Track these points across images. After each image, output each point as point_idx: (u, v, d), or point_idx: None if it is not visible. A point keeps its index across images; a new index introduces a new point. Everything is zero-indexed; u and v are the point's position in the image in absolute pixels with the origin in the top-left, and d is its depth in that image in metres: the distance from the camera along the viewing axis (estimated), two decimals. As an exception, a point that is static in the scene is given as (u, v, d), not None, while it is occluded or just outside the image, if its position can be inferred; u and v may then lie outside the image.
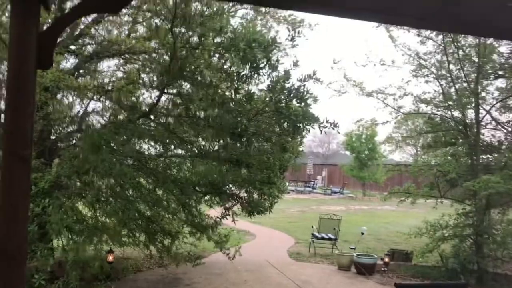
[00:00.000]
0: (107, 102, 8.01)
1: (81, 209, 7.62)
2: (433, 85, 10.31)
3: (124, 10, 6.29)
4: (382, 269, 9.91)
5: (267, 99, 6.08)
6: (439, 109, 10.32)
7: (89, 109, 8.43)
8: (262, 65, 5.51)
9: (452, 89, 10.08)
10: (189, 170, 7.32)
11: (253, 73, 5.67)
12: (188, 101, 6.02)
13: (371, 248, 12.93)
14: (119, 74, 7.63)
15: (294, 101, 5.97)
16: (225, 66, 5.85)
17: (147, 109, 6.40)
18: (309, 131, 7.28)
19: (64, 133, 7.65)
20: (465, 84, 9.78)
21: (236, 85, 5.84)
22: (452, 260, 9.69)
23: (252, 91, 5.98)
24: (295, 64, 5.71)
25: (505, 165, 8.96)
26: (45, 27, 3.26)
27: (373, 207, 26.18)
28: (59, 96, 7.88)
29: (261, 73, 5.81)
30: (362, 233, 11.24)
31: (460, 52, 9.58)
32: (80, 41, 8.02)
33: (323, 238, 12.87)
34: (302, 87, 5.71)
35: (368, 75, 10.89)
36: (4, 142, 2.62)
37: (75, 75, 7.98)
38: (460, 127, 9.82)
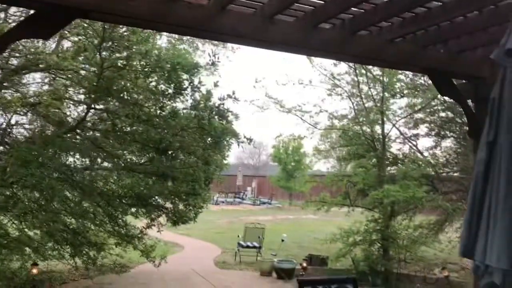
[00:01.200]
0: (32, 116, 8.13)
1: (5, 222, 7.65)
2: (347, 103, 11.32)
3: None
4: (300, 273, 10.63)
5: (192, 116, 6.57)
6: (351, 125, 11.34)
7: (13, 122, 8.48)
8: (185, 86, 6.00)
9: (362, 107, 11.14)
10: (116, 182, 7.60)
11: (177, 92, 6.14)
12: (114, 117, 6.36)
13: (293, 255, 13.68)
14: (46, 88, 7.76)
15: (216, 118, 6.51)
16: (150, 86, 6.26)
17: (74, 124, 6.65)
18: (230, 145, 7.91)
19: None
20: (372, 103, 10.86)
21: (161, 104, 6.28)
22: (363, 263, 10.63)
23: (176, 109, 6.45)
24: (216, 85, 6.27)
25: (405, 176, 10.06)
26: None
27: (298, 216, 27.21)
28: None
29: (185, 93, 6.30)
30: (283, 240, 12.00)
31: (369, 73, 10.66)
32: (5, 54, 8.05)
33: (248, 247, 13.46)
34: (222, 105, 6.27)
35: (288, 93, 11.72)
36: None
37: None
38: (369, 141, 10.86)
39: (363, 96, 10.95)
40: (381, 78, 10.84)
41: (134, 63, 5.86)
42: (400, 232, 10.62)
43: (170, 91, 6.12)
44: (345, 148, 12.29)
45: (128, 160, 7.34)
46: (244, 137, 6.53)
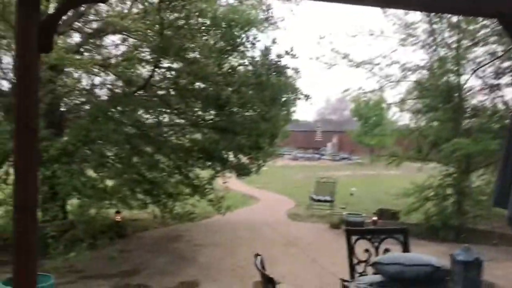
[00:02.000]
0: (110, 76, 8.79)
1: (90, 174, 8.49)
2: (421, 54, 10.79)
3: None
4: (371, 226, 10.67)
5: (250, 73, 6.74)
6: (426, 76, 10.84)
7: (97, 82, 9.22)
8: (239, 43, 6.14)
9: (438, 56, 10.56)
10: (183, 137, 8.08)
11: (232, 49, 6.31)
12: (176, 76, 6.71)
13: (367, 209, 13.68)
14: (119, 51, 8.31)
15: (274, 74, 6.62)
16: (207, 43, 6.48)
17: (142, 83, 7.11)
18: (294, 101, 8.01)
19: (71, 105, 8.43)
20: (449, 52, 10.24)
21: (218, 61, 6.50)
22: (435, 217, 10.40)
23: (234, 66, 6.64)
24: (274, 41, 6.35)
25: (480, 128, 9.51)
26: (44, 16, 3.89)
27: (379, 172, 26.75)
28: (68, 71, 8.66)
29: (243, 50, 6.44)
30: (351, 194, 12.02)
31: (445, 21, 10.01)
32: (82, 18, 8.68)
33: (319, 200, 13.67)
34: (279, 62, 6.35)
35: (357, 46, 11.39)
36: (15, 116, 3.31)
37: (80, 50, 8.70)
38: (444, 93, 10.34)
39: (439, 45, 10.35)
40: (459, 24, 10.15)
41: (192, 21, 6.08)
42: (476, 187, 10.17)
43: (227, 48, 6.29)
44: (421, 100, 11.80)
45: (194, 116, 7.72)
46: (301, 93, 6.59)
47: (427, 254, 4.04)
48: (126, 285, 6.53)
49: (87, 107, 8.61)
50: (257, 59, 6.56)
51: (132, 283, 6.64)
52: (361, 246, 4.47)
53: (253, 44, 6.36)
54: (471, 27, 9.72)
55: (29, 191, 3.15)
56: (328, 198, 13.66)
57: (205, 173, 9.31)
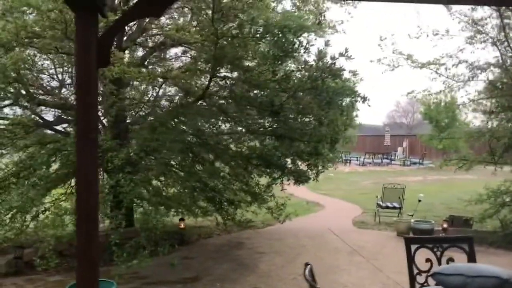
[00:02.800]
0: (173, 88, 9.11)
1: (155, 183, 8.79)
2: (491, 51, 10.16)
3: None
4: (440, 234, 10.13)
5: (305, 77, 6.67)
6: (498, 74, 10.17)
7: (160, 94, 9.57)
8: (293, 48, 6.10)
9: (510, 53, 9.89)
10: (242, 145, 8.15)
11: (286, 55, 6.28)
12: (232, 85, 6.79)
13: (439, 216, 13.01)
14: (180, 62, 8.58)
15: (329, 78, 6.51)
16: (260, 51, 6.49)
17: (201, 93, 7.27)
18: (353, 105, 7.82)
19: (136, 117, 8.80)
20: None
21: (272, 68, 6.49)
22: (512, 225, 9.69)
23: (288, 71, 6.60)
24: (327, 44, 6.25)
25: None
26: (101, 32, 4.09)
27: (452, 176, 25.40)
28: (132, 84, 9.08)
29: (297, 55, 6.40)
30: (420, 200, 11.50)
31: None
32: (144, 34, 9.06)
33: (387, 207, 13.20)
34: (333, 65, 6.23)
35: (421, 47, 10.95)
36: (76, 128, 3.48)
37: (145, 64, 9.09)
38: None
39: (510, 40, 9.68)
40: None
41: (246, 30, 6.13)
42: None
43: (280, 54, 6.27)
44: (494, 100, 11.09)
45: (250, 123, 7.76)
46: (358, 95, 6.41)
47: (498, 265, 3.75)
48: (187, 292, 6.67)
49: (151, 118, 8.95)
50: (312, 63, 6.47)
51: (194, 289, 6.77)
52: (424, 255, 4.25)
53: (307, 49, 6.30)
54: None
55: (89, 200, 3.29)
56: (396, 204, 13.16)
57: (264, 181, 9.33)
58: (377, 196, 13.79)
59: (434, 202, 16.79)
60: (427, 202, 16.67)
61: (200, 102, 7.53)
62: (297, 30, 5.95)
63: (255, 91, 6.63)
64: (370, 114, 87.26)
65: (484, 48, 10.42)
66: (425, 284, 4.19)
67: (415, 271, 4.29)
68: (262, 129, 7.60)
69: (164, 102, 9.26)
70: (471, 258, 4.40)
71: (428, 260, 4.25)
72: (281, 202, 9.25)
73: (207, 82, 7.21)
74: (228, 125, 8.13)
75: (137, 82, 8.93)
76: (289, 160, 8.02)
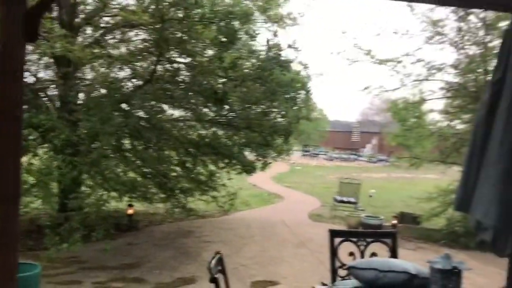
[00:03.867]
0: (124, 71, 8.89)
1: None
2: (449, 53, 10.30)
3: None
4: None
5: (252, 66, 6.59)
6: (452, 75, 10.34)
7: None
8: (236, 35, 6.01)
9: (466, 55, 10.04)
10: (187, 132, 8.04)
11: (230, 41, 6.18)
12: (177, 70, 6.66)
13: (393, 212, 13.19)
14: (132, 45, 8.36)
15: (276, 69, 6.45)
16: (206, 36, 6.37)
17: (147, 77, 7.12)
18: (308, 98, 7.79)
19: (86, 98, 8.58)
20: (477, 50, 9.71)
21: (219, 54, 6.39)
22: (458, 224, 9.88)
23: (235, 59, 6.50)
24: (275, 34, 6.18)
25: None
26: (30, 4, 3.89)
27: (416, 175, 25.93)
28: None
29: (245, 43, 6.31)
30: (370, 196, 11.64)
31: (472, 16, 9.50)
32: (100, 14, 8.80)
33: (343, 202, 13.32)
34: (279, 55, 6.17)
35: (381, 45, 11.02)
36: None
37: (101, 45, 8.83)
38: (472, 93, 9.82)
39: (466, 42, 9.82)
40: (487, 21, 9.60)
41: (193, 12, 5.99)
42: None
43: (226, 40, 6.17)
44: (449, 100, 11.30)
45: (197, 110, 7.66)
46: (306, 89, 6.38)
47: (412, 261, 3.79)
48: (123, 278, 6.54)
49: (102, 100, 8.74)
50: (261, 53, 6.40)
51: (129, 276, 6.65)
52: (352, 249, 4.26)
53: (253, 37, 6.22)
54: (500, 24, 9.16)
55: (10, 180, 3.14)
56: (352, 199, 13.29)
57: (217, 170, 9.25)
58: (335, 191, 13.93)
59: (394, 198, 17.06)
60: (386, 198, 16.95)
61: (148, 86, 7.37)
62: (243, 17, 5.86)
63: (200, 78, 6.51)
64: (344, 111, 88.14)
65: (442, 49, 10.56)
66: (346, 277, 4.20)
67: (337, 264, 4.30)
68: (210, 117, 7.49)
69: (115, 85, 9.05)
70: (393, 254, 4.43)
71: (351, 253, 4.26)
72: (232, 192, 9.23)
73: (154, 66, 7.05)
74: (177, 112, 7.99)
75: (96, 64, 8.70)
76: (236, 149, 7.95)
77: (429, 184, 22.62)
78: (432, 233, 10.14)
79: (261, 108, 7.11)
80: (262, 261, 7.70)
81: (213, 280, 2.87)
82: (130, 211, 9.42)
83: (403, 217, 11.04)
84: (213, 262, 3.16)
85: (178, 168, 8.51)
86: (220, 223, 10.80)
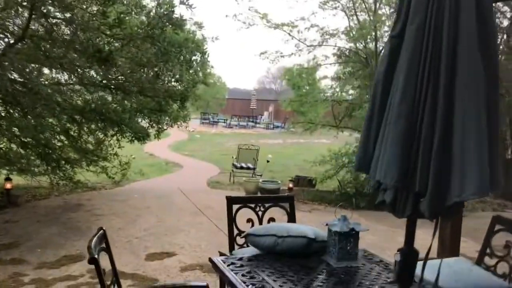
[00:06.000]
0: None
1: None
2: (340, 18, 10.48)
3: None
4: (286, 194, 10.47)
5: (141, 24, 6.04)
6: (344, 41, 10.59)
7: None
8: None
9: (357, 22, 10.30)
10: (72, 97, 7.30)
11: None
12: (54, 25, 5.90)
13: (290, 176, 13.50)
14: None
15: (168, 27, 5.97)
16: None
17: (20, 34, 6.23)
18: (204, 62, 7.39)
19: None
20: (367, 17, 10.00)
21: (102, 8, 5.74)
22: (350, 185, 10.35)
23: (122, 15, 5.91)
24: (166, -10, 5.67)
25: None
26: None
27: (309, 140, 26.94)
28: None
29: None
30: (268, 161, 11.78)
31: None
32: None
33: (242, 168, 13.33)
34: (171, 12, 5.70)
35: (277, 9, 10.93)
36: None
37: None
38: (362, 59, 10.14)
39: (357, 9, 10.06)
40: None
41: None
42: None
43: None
44: (341, 66, 11.63)
45: (80, 72, 6.93)
46: (204, 51, 6.00)
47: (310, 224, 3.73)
48: (-1, 260, 5.82)
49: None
50: (151, 10, 5.86)
51: (6, 258, 5.93)
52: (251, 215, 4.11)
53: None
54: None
55: None
56: (250, 165, 13.34)
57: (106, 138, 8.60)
58: (233, 157, 13.88)
59: (290, 163, 17.53)
60: (283, 163, 17.35)
61: (21, 44, 6.46)
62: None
63: (81, 35, 5.82)
64: (242, 79, 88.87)
65: (335, 15, 10.74)
66: (244, 245, 4.04)
67: (235, 232, 4.13)
68: (97, 81, 6.79)
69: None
70: (291, 218, 4.36)
71: (249, 220, 4.11)
72: (124, 161, 8.68)
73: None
74: (60, 75, 7.15)
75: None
76: (126, 115, 7.37)
77: (323, 149, 23.69)
78: (325, 194, 10.51)
79: (154, 71, 6.59)
80: (157, 232, 7.36)
81: (92, 260, 2.52)
82: (8, 186, 8.44)
83: (298, 181, 11.31)
84: (95, 239, 2.79)
85: (62, 137, 7.71)
86: (113, 195, 10.17)
